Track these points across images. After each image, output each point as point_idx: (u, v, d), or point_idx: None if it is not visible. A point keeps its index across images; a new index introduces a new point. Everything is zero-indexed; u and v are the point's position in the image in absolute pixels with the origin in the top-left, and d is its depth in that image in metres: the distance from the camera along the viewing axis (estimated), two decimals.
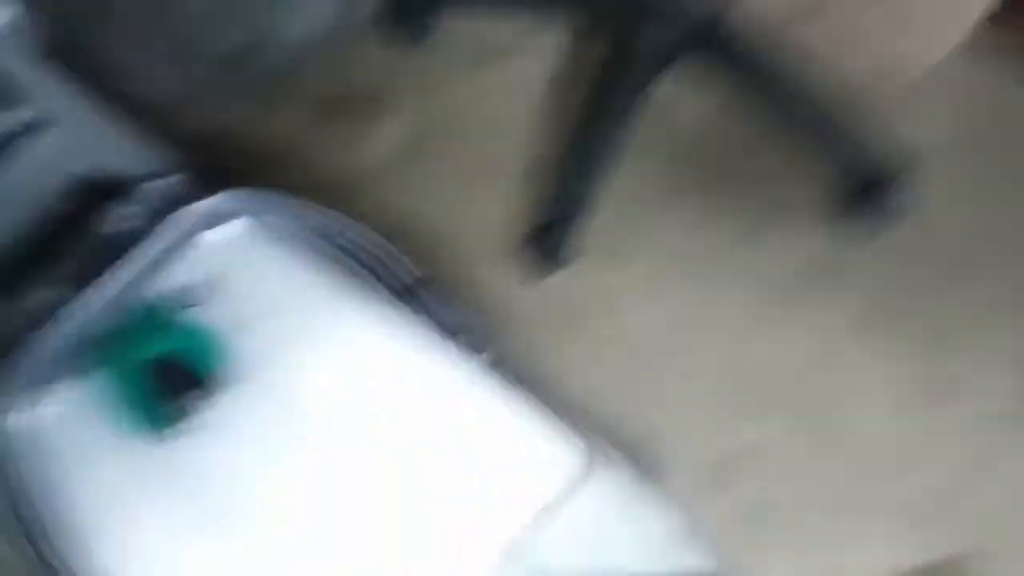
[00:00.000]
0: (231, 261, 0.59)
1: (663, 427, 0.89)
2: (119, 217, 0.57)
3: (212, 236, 0.60)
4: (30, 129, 0.49)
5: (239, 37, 0.92)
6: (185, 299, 0.57)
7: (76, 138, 0.53)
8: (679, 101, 1.04)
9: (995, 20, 0.94)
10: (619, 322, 0.97)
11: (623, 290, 0.98)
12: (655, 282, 0.99)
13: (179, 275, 0.58)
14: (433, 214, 1.00)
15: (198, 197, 0.59)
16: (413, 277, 0.61)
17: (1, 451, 0.54)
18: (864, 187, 0.96)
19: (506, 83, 1.08)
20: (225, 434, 0.55)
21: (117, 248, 0.56)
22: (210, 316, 0.56)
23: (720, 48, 0.99)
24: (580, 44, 1.10)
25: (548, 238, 0.96)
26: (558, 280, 0.98)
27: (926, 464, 0.90)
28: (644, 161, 1.03)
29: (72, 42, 0.53)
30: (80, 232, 0.56)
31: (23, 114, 0.48)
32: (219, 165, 0.63)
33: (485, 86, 1.08)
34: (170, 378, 0.54)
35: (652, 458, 0.66)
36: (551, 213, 0.96)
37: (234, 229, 0.61)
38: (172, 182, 0.59)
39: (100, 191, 0.57)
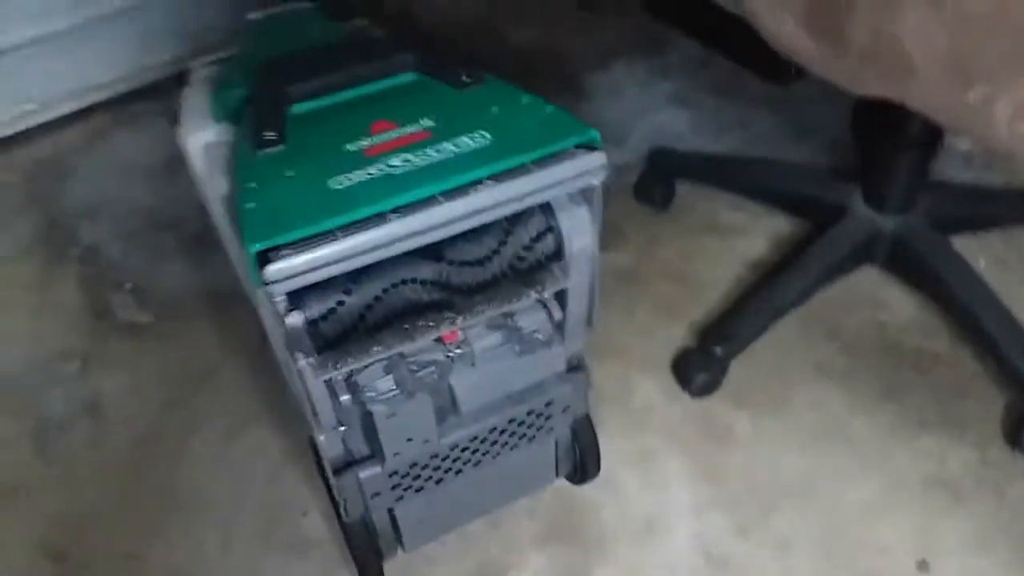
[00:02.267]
0: None
1: None
2: None
3: None
4: None
5: None
6: None
7: None
8: (872, 293, 1.15)
9: None
10: (739, 460, 1.02)
11: (752, 433, 1.04)
12: (787, 438, 1.04)
13: None
14: (616, 319, 1.18)
15: None
16: None
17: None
18: None
19: (718, 250, 1.27)
20: None
21: None
22: None
23: (908, 258, 1.11)
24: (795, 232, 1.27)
25: (701, 364, 1.07)
26: (698, 404, 1.08)
27: None
28: (813, 335, 1.12)
29: None
30: None
31: None
32: None
33: (701, 247, 1.28)
34: None
35: None
36: (712, 341, 1.08)
37: None
38: None
39: None
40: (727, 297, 1.20)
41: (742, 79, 1.63)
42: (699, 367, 1.07)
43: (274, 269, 0.57)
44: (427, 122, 0.68)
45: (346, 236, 0.59)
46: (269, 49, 0.82)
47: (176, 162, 1.21)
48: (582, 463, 0.94)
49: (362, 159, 0.64)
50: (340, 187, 0.62)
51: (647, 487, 1.00)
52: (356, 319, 0.65)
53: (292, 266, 0.57)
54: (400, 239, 0.60)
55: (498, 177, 0.62)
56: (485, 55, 1.74)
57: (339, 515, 0.83)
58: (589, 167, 0.64)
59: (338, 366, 0.66)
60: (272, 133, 0.67)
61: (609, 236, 1.31)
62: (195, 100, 0.82)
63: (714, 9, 1.26)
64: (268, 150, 0.66)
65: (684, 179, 1.35)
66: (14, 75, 1.55)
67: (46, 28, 1.52)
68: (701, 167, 1.37)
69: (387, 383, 0.70)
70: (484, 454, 0.85)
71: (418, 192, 0.61)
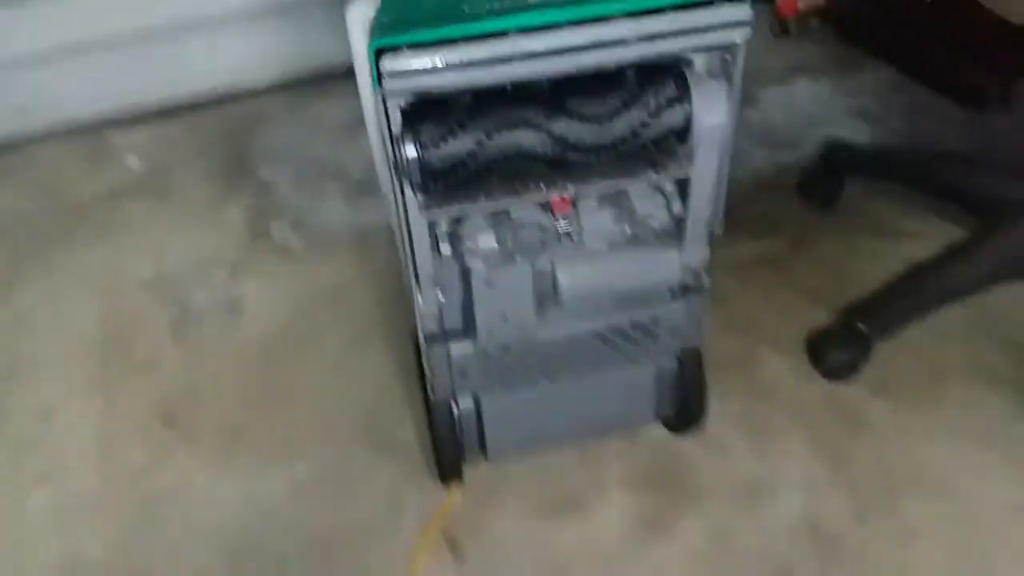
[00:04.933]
0: None
1: None
2: None
3: None
4: None
5: None
6: None
7: None
8: None
9: None
10: (868, 447, 0.93)
11: (888, 423, 0.94)
12: (930, 433, 0.94)
13: None
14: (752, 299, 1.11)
15: None
16: None
17: None
18: None
19: (884, 251, 1.17)
20: None
21: None
22: None
23: None
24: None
25: (840, 341, 0.99)
26: (830, 387, 0.99)
27: None
28: (977, 337, 1.01)
29: None
30: None
31: None
32: None
33: (864, 247, 1.19)
34: None
35: None
36: (856, 317, 0.99)
37: None
38: None
39: None
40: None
41: (938, 106, 1.54)
42: (837, 344, 0.98)
43: (390, 62, 0.58)
44: None
45: (466, 44, 0.58)
46: None
47: (356, 124, 1.29)
48: (685, 405, 0.87)
49: None
50: (470, 8, 0.62)
51: (758, 455, 0.92)
52: (467, 157, 0.64)
53: (408, 63, 0.58)
54: (521, 57, 0.59)
55: (633, 15, 0.60)
56: None
57: (427, 407, 0.82)
58: (731, 18, 0.61)
59: (443, 205, 0.66)
60: None
61: (761, 226, 1.26)
62: None
63: (913, 34, 1.20)
64: None
65: (856, 175, 1.27)
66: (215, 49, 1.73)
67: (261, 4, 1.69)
68: (877, 161, 1.27)
69: (489, 239, 0.69)
70: (581, 361, 0.81)
71: (546, 17, 0.60)
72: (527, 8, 0.61)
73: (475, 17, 0.60)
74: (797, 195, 1.31)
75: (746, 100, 1.62)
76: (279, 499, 0.92)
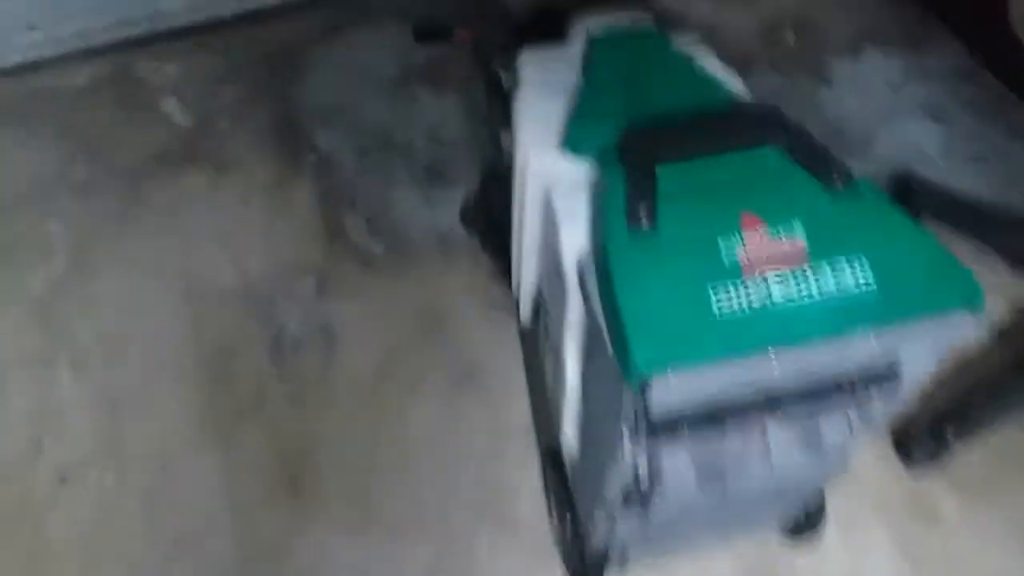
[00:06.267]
0: None
1: None
2: None
3: None
4: None
5: None
6: None
7: None
8: None
9: None
10: (943, 543, 1.03)
11: (960, 518, 1.05)
12: (995, 529, 1.05)
13: None
14: None
15: None
16: None
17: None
18: None
19: None
20: None
21: None
22: None
23: None
24: None
25: (929, 445, 1.07)
26: (912, 477, 1.08)
27: None
28: None
29: None
30: None
31: None
32: None
33: None
34: None
35: None
36: (946, 424, 1.07)
37: None
38: None
39: None
40: (960, 365, 1.17)
41: (1008, 103, 1.53)
42: (926, 448, 1.07)
43: (659, 398, 0.59)
44: (799, 229, 0.66)
45: (727, 370, 0.60)
46: (618, 79, 0.81)
47: (402, 75, 1.37)
48: (805, 525, 0.97)
49: (739, 275, 0.64)
50: (722, 314, 0.62)
51: (848, 550, 1.03)
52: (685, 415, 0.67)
53: (674, 396, 0.59)
54: (776, 377, 0.61)
55: (879, 333, 0.62)
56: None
57: (559, 522, 0.91)
58: (968, 334, 0.63)
59: (655, 447, 0.69)
60: (644, 215, 0.67)
61: None
62: (535, 110, 0.83)
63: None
64: (640, 232, 0.67)
65: (929, 217, 1.28)
66: None
67: None
68: (953, 208, 1.29)
69: (688, 471, 0.73)
70: (726, 517, 0.88)
71: (800, 337, 0.61)
72: (778, 318, 0.62)
73: (734, 334, 0.60)
74: None
75: (819, 74, 1.58)
76: None
